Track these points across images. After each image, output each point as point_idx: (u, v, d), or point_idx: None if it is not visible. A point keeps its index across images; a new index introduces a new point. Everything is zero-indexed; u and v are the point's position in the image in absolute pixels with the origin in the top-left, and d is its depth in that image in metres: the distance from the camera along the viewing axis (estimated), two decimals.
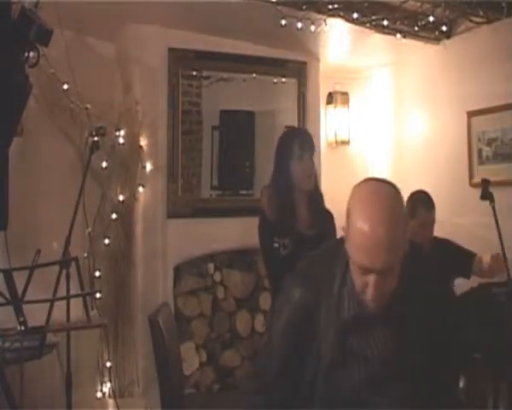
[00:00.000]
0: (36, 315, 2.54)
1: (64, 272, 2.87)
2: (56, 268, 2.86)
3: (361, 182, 1.50)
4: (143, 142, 3.79)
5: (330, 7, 3.47)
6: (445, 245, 3.49)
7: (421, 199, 3.41)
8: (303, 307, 1.53)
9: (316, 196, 2.85)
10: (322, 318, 1.51)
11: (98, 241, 3.67)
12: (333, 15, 3.54)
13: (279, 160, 2.84)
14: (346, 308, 1.50)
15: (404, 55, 4.39)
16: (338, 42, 4.18)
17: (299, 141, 2.81)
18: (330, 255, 1.57)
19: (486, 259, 3.20)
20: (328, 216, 2.91)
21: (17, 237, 2.58)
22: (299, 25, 3.47)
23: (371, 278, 1.40)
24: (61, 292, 2.86)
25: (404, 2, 3.53)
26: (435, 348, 1.49)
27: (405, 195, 3.71)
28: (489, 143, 3.78)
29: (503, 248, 2.83)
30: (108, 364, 3.67)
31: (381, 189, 1.46)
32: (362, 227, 1.38)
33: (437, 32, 3.92)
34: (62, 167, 3.62)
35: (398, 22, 3.71)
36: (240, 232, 3.86)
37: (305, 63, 4.38)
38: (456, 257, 3.44)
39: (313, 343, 1.50)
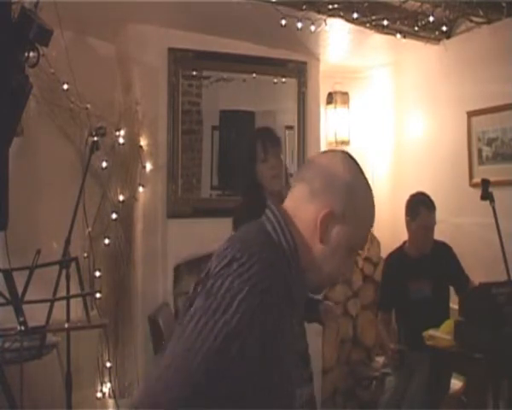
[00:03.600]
0: (36, 315, 2.55)
1: (64, 272, 2.87)
2: (56, 268, 2.86)
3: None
4: (143, 142, 3.79)
5: (330, 7, 3.47)
6: (447, 252, 3.50)
7: (423, 201, 3.42)
8: None
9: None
10: None
11: (98, 241, 3.67)
12: (333, 15, 3.53)
13: (243, 163, 2.73)
14: None
15: (404, 55, 4.39)
16: (338, 42, 4.18)
17: (261, 141, 2.66)
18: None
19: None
20: None
21: (17, 237, 2.59)
22: (299, 25, 3.46)
23: None
24: (61, 292, 2.86)
25: (404, 2, 3.53)
26: None
27: (405, 195, 3.75)
28: (489, 143, 3.77)
29: (503, 248, 2.83)
30: (108, 364, 3.67)
31: None
32: None
33: (437, 32, 3.91)
34: (62, 167, 3.62)
35: (398, 22, 3.71)
36: None
37: (305, 63, 4.38)
38: (455, 272, 3.46)
39: None
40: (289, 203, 1.23)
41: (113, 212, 3.69)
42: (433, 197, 3.43)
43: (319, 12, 3.48)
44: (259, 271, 1.07)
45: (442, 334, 3.02)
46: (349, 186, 1.20)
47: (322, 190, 1.19)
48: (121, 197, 3.72)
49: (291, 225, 1.19)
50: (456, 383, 3.42)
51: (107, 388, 3.67)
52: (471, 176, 3.88)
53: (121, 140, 3.71)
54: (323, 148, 4.64)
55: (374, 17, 3.62)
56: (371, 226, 1.28)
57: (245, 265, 1.08)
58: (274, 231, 1.18)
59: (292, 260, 1.16)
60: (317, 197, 1.19)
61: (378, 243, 4.52)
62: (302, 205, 1.20)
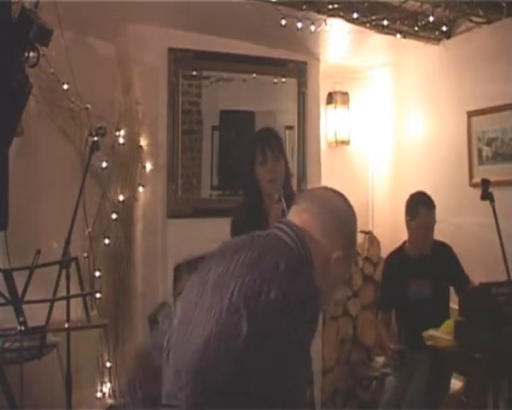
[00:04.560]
0: (36, 315, 2.55)
1: (64, 272, 2.87)
2: (56, 268, 2.86)
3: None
4: (143, 142, 3.79)
5: (330, 7, 3.47)
6: (447, 252, 3.50)
7: (423, 201, 3.42)
8: None
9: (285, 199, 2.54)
10: None
11: (98, 241, 3.68)
12: (333, 15, 3.53)
13: (245, 165, 2.72)
14: None
15: (404, 55, 4.39)
16: (338, 42, 4.18)
17: (261, 144, 2.65)
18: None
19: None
20: None
21: (17, 237, 2.59)
22: (299, 25, 3.46)
23: None
24: (61, 292, 2.86)
25: (404, 2, 3.53)
26: None
27: (405, 195, 3.75)
28: (489, 143, 3.77)
29: (503, 249, 2.83)
30: (108, 364, 3.67)
31: None
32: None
33: (437, 32, 3.91)
34: (62, 167, 3.62)
35: (398, 22, 3.71)
36: None
37: (305, 63, 4.38)
38: (455, 272, 3.46)
39: None
40: (299, 224, 1.31)
41: (113, 212, 3.69)
42: (433, 197, 3.43)
43: (319, 12, 3.48)
44: (303, 274, 1.20)
45: (442, 334, 3.02)
46: (353, 233, 1.37)
47: (334, 232, 1.32)
48: (121, 197, 3.73)
49: (305, 237, 1.28)
50: (456, 383, 3.42)
51: (107, 388, 3.68)
52: (471, 176, 3.88)
53: (121, 140, 3.71)
54: (323, 148, 4.64)
55: (374, 17, 3.62)
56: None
57: (291, 268, 1.18)
58: (292, 241, 1.27)
59: (307, 266, 1.25)
60: (327, 236, 1.31)
61: (378, 243, 4.51)
62: (312, 233, 1.30)
